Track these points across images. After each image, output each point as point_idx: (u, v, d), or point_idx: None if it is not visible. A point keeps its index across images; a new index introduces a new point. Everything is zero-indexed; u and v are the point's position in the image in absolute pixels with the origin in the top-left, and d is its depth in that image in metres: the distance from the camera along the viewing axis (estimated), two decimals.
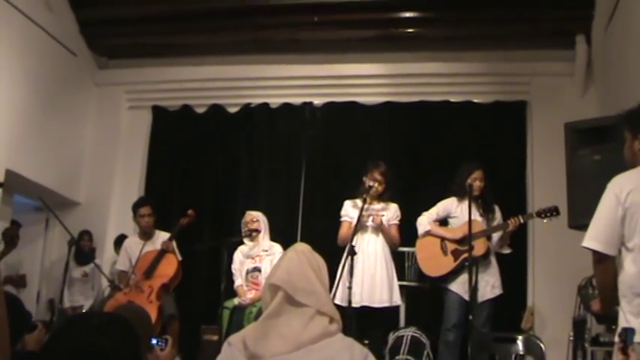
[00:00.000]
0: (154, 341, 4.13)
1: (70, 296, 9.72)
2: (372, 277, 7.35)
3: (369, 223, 7.49)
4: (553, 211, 7.12)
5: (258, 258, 8.23)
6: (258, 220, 8.43)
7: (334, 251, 7.57)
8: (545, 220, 7.23)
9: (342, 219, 7.76)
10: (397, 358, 7.50)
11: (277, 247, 8.31)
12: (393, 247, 7.66)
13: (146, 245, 8.47)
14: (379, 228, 7.54)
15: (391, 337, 7.61)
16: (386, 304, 7.40)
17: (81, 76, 10.75)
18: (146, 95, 11.06)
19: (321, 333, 2.87)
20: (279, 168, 10.27)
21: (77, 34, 10.45)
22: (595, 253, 4.21)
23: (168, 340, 4.22)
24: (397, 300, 7.55)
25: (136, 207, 8.74)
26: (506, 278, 7.69)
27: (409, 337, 7.60)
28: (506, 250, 7.59)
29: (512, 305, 8.41)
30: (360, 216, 7.25)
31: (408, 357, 7.48)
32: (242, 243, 8.39)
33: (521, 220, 7.34)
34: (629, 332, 3.20)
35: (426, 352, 7.52)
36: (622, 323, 4.01)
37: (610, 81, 8.26)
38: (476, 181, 7.39)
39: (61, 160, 10.17)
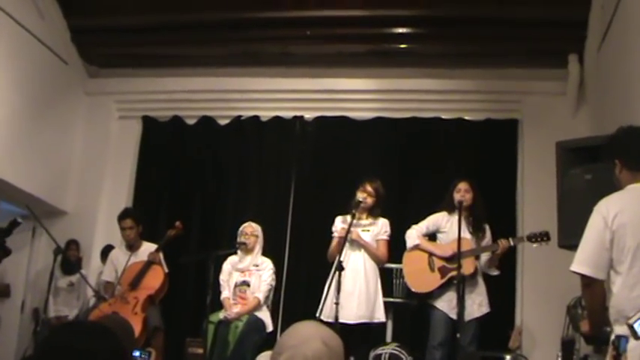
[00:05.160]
0: (137, 353, 4.10)
1: (55, 306, 9.60)
2: (349, 293, 7.25)
3: (349, 238, 7.43)
4: (544, 237, 7.10)
5: (248, 272, 8.15)
6: (257, 236, 8.33)
7: (322, 265, 7.54)
8: (534, 245, 7.21)
9: (332, 235, 7.71)
10: None
11: (268, 263, 8.24)
12: (378, 262, 7.58)
13: (132, 256, 8.42)
14: (358, 243, 7.48)
15: (371, 356, 7.55)
16: (364, 321, 7.32)
17: (71, 85, 10.69)
18: (136, 105, 11.01)
19: None
20: (268, 181, 10.24)
21: (68, 42, 10.42)
22: (584, 277, 4.21)
23: (152, 352, 4.18)
24: (380, 317, 7.46)
25: (118, 219, 8.69)
26: (495, 297, 7.66)
27: (387, 355, 7.54)
28: (494, 272, 7.54)
29: (500, 324, 8.41)
30: (348, 231, 7.22)
31: None
32: (229, 255, 8.33)
33: (512, 243, 7.31)
34: (622, 340, 3.17)
35: None
36: None
37: (602, 101, 8.26)
38: (460, 191, 7.38)
39: (49, 168, 10.10)
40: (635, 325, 3.14)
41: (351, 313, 7.26)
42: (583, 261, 4.20)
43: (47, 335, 2.41)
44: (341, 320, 7.08)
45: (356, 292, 7.33)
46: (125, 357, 2.42)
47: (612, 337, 3.94)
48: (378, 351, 7.59)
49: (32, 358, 2.42)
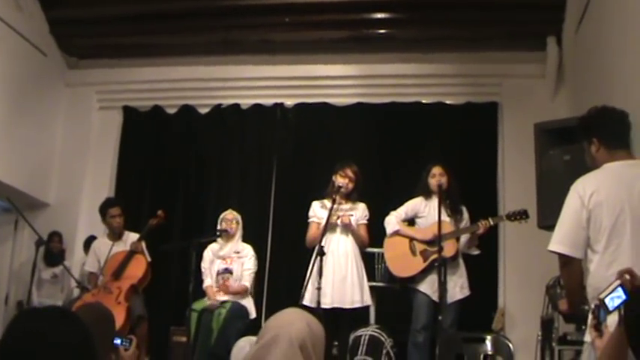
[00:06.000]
0: (118, 341, 4.09)
1: (39, 298, 9.57)
2: (343, 278, 7.29)
3: (338, 223, 7.45)
4: (522, 214, 7.14)
5: (229, 259, 8.19)
6: (238, 222, 8.41)
7: (305, 252, 7.55)
8: (514, 223, 7.25)
9: (309, 220, 7.70)
10: (356, 358, 7.47)
11: (249, 250, 8.30)
12: (362, 247, 7.60)
13: (115, 246, 8.44)
14: (348, 228, 7.50)
15: (351, 338, 7.58)
16: (357, 305, 7.34)
17: (51, 77, 10.65)
18: (117, 96, 10.99)
19: None
20: (250, 169, 10.25)
21: (47, 34, 10.36)
22: (561, 256, 4.23)
23: (133, 340, 4.17)
24: (368, 300, 7.48)
25: (105, 208, 8.70)
26: (477, 279, 7.72)
27: (367, 337, 7.58)
28: (475, 252, 7.57)
29: (483, 306, 8.45)
30: (330, 216, 7.24)
31: (366, 357, 7.45)
32: (210, 242, 8.36)
33: (491, 223, 7.33)
34: (601, 310, 3.19)
35: (385, 351, 7.49)
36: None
37: (580, 83, 8.28)
38: (435, 176, 7.41)
39: (31, 160, 10.07)
40: (607, 300, 3.16)
41: (346, 299, 7.29)
42: (560, 240, 4.22)
43: (12, 320, 2.41)
44: (335, 305, 7.18)
45: (349, 277, 7.35)
46: (92, 343, 2.42)
47: (592, 306, 3.97)
48: (358, 333, 7.63)
49: None
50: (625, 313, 2.89)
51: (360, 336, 7.60)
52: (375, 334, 7.61)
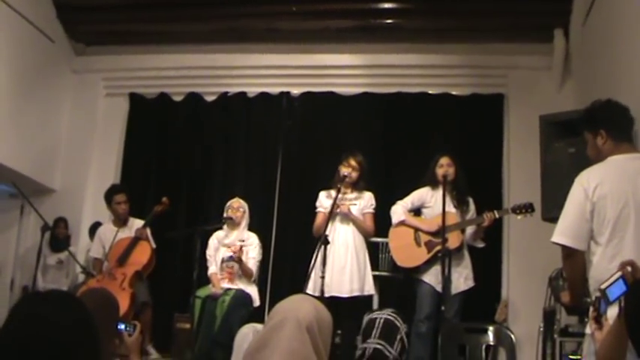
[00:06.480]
0: (122, 326, 4.10)
1: (44, 283, 9.59)
2: (341, 268, 7.28)
3: (337, 211, 7.46)
4: (528, 208, 7.10)
5: (234, 247, 8.19)
6: (245, 211, 8.41)
7: (310, 240, 7.57)
8: (519, 217, 7.22)
9: (316, 210, 7.71)
10: (368, 341, 7.48)
11: (254, 239, 8.30)
12: (367, 236, 7.60)
13: (120, 232, 8.48)
14: (347, 217, 7.49)
15: (365, 319, 7.59)
16: (356, 294, 7.33)
17: (58, 63, 10.65)
18: (123, 83, 10.99)
19: None
20: (255, 157, 10.26)
21: (55, 20, 10.37)
22: (564, 248, 4.24)
23: (137, 325, 4.18)
24: (370, 289, 7.48)
25: (111, 194, 8.73)
26: (481, 270, 7.69)
27: (382, 320, 7.59)
28: (480, 244, 7.53)
29: (486, 297, 8.48)
30: (334, 205, 7.25)
31: (379, 342, 7.47)
32: (215, 230, 8.38)
33: (497, 215, 7.30)
34: (602, 302, 3.20)
35: (399, 337, 7.51)
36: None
37: (587, 75, 8.26)
38: (443, 166, 7.39)
39: (37, 146, 10.09)
40: (607, 290, 3.18)
41: (344, 288, 7.28)
42: (563, 232, 4.24)
43: (15, 303, 2.43)
44: (333, 294, 7.16)
45: (347, 267, 7.34)
46: (94, 328, 2.44)
47: (593, 298, 3.98)
48: (374, 315, 7.64)
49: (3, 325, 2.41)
50: (625, 304, 2.91)
51: (375, 319, 7.61)
52: (391, 317, 7.62)
